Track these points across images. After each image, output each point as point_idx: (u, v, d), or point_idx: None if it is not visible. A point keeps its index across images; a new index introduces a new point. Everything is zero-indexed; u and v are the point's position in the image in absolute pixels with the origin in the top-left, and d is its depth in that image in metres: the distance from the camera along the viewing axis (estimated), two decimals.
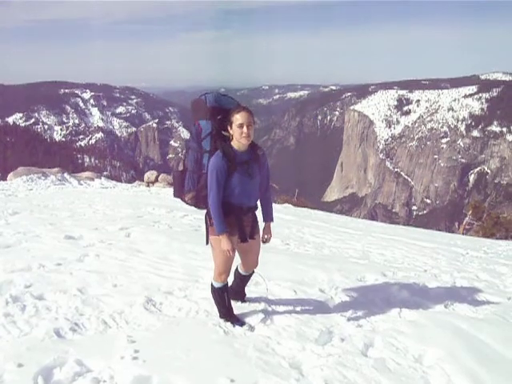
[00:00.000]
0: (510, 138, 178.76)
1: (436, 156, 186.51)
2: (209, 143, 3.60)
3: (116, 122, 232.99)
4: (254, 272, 4.21)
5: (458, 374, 3.44)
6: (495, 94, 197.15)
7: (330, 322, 4.18)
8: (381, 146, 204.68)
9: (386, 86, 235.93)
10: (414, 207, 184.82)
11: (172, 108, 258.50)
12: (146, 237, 7.11)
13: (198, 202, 3.73)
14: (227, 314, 3.97)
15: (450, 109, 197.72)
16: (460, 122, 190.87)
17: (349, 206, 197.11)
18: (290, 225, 10.14)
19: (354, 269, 6.06)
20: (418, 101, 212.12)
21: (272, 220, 4.03)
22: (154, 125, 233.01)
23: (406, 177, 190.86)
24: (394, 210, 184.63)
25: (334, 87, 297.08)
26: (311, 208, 19.49)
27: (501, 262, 8.51)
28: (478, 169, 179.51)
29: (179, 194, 3.81)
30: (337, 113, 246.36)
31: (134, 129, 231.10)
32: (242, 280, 4.24)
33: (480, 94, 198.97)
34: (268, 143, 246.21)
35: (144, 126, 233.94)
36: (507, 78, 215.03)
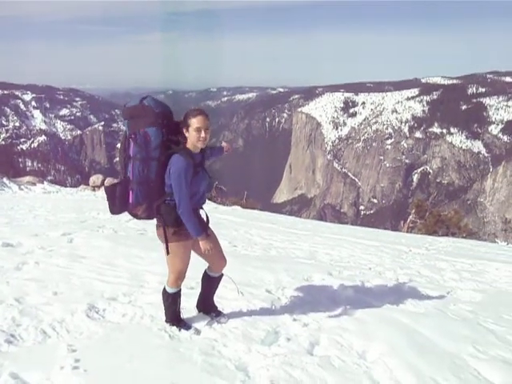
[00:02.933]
0: (449, 139, 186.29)
1: (381, 157, 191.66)
2: (158, 151, 3.48)
3: (60, 124, 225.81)
4: (222, 275, 4.13)
5: (400, 368, 3.53)
6: (435, 96, 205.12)
7: (276, 322, 4.19)
8: (328, 148, 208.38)
9: (333, 88, 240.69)
10: (362, 207, 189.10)
11: (118, 110, 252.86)
12: (89, 242, 6.91)
13: (151, 213, 3.58)
14: (175, 319, 3.91)
15: (394, 111, 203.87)
16: (403, 124, 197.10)
17: (298, 206, 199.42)
18: (237, 227, 10.14)
19: (300, 269, 6.13)
20: (364, 103, 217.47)
21: None
22: (100, 127, 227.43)
23: (353, 177, 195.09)
24: (342, 210, 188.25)
25: (281, 89, 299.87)
26: (260, 210, 19.61)
27: (441, 257, 8.84)
28: (421, 169, 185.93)
29: (121, 208, 3.58)
30: (285, 115, 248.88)
31: (79, 132, 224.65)
32: (211, 284, 4.11)
33: (421, 97, 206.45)
34: (217, 145, 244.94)
35: (89, 128, 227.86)
36: (446, 81, 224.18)
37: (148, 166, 3.46)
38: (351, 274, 6.28)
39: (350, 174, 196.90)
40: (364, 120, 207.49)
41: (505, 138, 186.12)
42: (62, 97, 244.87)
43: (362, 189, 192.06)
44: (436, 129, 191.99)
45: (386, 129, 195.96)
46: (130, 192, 3.50)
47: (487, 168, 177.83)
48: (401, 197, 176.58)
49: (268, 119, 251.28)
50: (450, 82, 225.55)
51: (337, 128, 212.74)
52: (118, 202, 3.53)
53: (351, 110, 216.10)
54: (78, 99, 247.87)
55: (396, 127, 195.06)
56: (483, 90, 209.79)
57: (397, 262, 7.73)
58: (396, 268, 7.11)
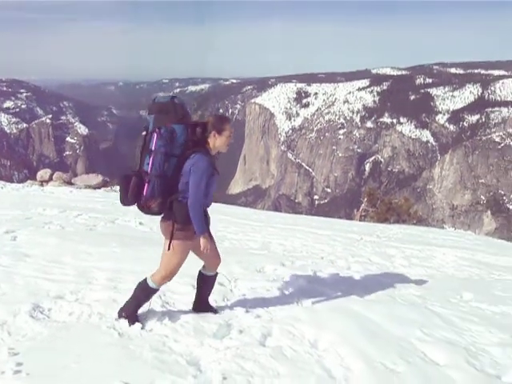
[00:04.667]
0: (399, 128, 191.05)
1: (334, 147, 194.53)
2: (180, 148, 3.59)
3: (4, 117, 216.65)
4: (217, 273, 4.17)
5: (351, 355, 3.59)
6: (385, 87, 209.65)
7: (228, 315, 4.18)
8: (282, 138, 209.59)
9: (285, 79, 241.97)
10: (316, 197, 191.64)
11: (67, 102, 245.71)
12: (34, 239, 6.62)
13: (163, 208, 3.63)
14: (133, 313, 3.84)
15: (346, 101, 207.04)
16: (355, 114, 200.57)
17: (253, 198, 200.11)
18: None
19: (253, 260, 6.12)
20: (316, 94, 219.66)
21: None
22: (48, 120, 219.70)
23: (307, 167, 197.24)
24: (296, 201, 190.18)
25: (234, 80, 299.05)
26: (214, 202, 19.50)
27: (391, 244, 9.05)
28: (373, 158, 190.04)
29: (134, 200, 3.62)
30: (238, 106, 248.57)
31: (25, 125, 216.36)
32: (207, 283, 4.14)
33: (372, 88, 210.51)
34: None
35: (36, 121, 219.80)
36: (395, 72, 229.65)
37: (168, 161, 3.54)
38: (304, 263, 6.33)
39: (303, 164, 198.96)
40: (317, 110, 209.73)
41: (451, 128, 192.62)
42: (5, 88, 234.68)
43: (315, 179, 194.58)
44: (386, 119, 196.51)
45: (339, 119, 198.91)
46: (146, 184, 3.54)
47: (435, 156, 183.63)
48: (354, 186, 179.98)
49: (221, 110, 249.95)
50: (399, 72, 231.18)
51: (290, 119, 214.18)
52: (131, 194, 3.58)
53: (304, 101, 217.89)
54: (22, 91, 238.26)
55: (348, 117, 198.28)
56: (430, 80, 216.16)
57: (348, 250, 7.85)
58: (348, 256, 7.22)
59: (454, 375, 3.41)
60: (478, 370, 3.51)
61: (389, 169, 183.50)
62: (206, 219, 3.85)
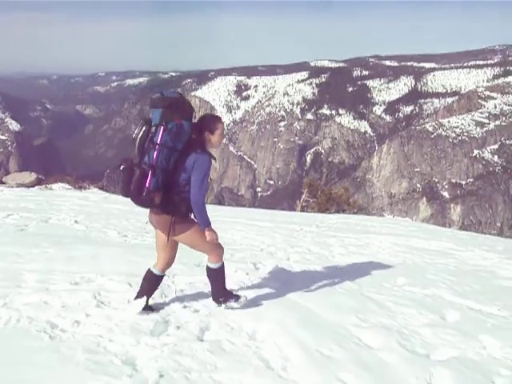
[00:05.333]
0: (338, 119, 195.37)
1: (275, 139, 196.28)
2: (184, 144, 3.68)
3: None
4: (223, 263, 4.23)
5: (289, 344, 3.63)
6: (324, 79, 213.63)
7: (166, 311, 4.11)
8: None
9: (225, 72, 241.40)
10: (259, 189, 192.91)
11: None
12: None
13: (164, 200, 3.71)
14: (225, 292, 4.18)
15: (286, 94, 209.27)
16: (295, 106, 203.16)
17: None
18: (128, 215, 9.82)
19: (192, 255, 6.03)
20: (256, 86, 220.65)
21: None
22: None
23: (249, 160, 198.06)
24: (239, 193, 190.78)
25: (173, 73, 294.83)
26: None
27: (330, 234, 9.23)
28: (314, 149, 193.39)
29: (136, 192, 3.62)
30: None
31: None
32: (216, 275, 4.19)
33: (311, 80, 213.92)
34: (109, 133, 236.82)
35: None
36: (333, 65, 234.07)
37: (173, 155, 3.64)
38: (243, 256, 6.34)
39: (245, 156, 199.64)
40: (257, 103, 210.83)
41: (387, 118, 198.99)
42: None
43: (258, 171, 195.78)
44: (326, 110, 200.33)
45: (279, 111, 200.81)
46: (150, 177, 3.59)
47: (373, 146, 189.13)
48: (296, 177, 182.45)
49: None
50: (337, 65, 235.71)
51: (231, 111, 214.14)
52: (133, 186, 3.61)
53: (244, 94, 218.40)
54: None
55: (288, 109, 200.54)
56: (366, 72, 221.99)
57: (288, 241, 7.94)
58: (287, 247, 7.30)
59: (386, 357, 3.52)
60: (409, 351, 3.64)
61: (329, 159, 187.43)
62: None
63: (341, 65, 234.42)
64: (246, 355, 3.45)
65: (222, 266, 4.12)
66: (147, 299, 4.04)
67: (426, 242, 9.93)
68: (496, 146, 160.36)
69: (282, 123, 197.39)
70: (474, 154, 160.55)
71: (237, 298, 4.19)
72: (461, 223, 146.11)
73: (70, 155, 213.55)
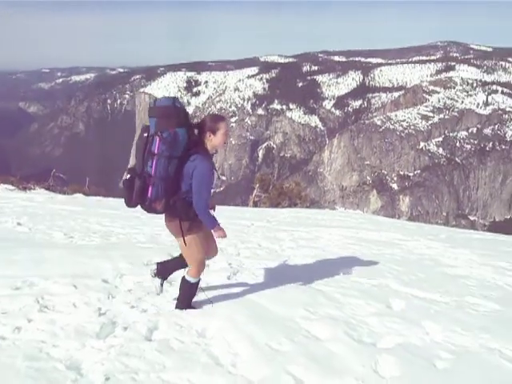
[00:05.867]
0: (289, 114, 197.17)
1: None
2: (182, 150, 3.69)
3: None
4: (200, 280, 4.20)
5: (238, 340, 3.63)
6: (274, 75, 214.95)
7: (112, 312, 4.03)
8: None
9: (175, 68, 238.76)
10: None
11: None
12: None
13: (167, 207, 3.76)
14: (189, 305, 4.17)
15: (236, 89, 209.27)
16: (246, 102, 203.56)
17: None
18: (76, 216, 9.56)
19: (140, 254, 5.98)
20: (207, 82, 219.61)
21: None
22: None
23: None
24: None
25: (121, 70, 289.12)
26: (105, 196, 18.79)
27: (281, 228, 9.31)
28: (265, 144, 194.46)
29: (138, 202, 3.72)
30: (127, 96, 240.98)
31: None
32: (190, 289, 4.17)
33: (261, 75, 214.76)
34: (55, 131, 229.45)
35: None
36: (282, 60, 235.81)
37: (171, 163, 3.66)
38: None
39: None
40: (208, 99, 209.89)
41: (337, 112, 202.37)
42: None
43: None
44: (276, 105, 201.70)
45: (230, 107, 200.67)
46: (151, 187, 3.65)
47: (324, 140, 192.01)
48: (248, 172, 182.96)
49: (109, 101, 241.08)
50: (287, 60, 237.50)
51: None
52: (135, 196, 3.67)
53: (194, 89, 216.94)
54: None
55: (239, 105, 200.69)
56: (316, 68, 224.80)
57: (239, 236, 7.94)
58: (238, 243, 7.30)
59: (334, 348, 3.58)
60: (356, 341, 3.72)
61: (281, 154, 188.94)
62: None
63: (290, 60, 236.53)
64: (195, 353, 3.42)
65: (197, 283, 4.12)
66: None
67: (375, 233, 10.18)
68: (440, 139, 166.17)
69: (234, 119, 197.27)
70: (420, 147, 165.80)
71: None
72: (409, 214, 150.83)
73: (14, 154, 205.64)
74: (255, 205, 21.58)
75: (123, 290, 4.60)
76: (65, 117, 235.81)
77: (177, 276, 5.12)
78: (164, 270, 4.35)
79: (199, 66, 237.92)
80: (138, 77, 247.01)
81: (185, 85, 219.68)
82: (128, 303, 4.22)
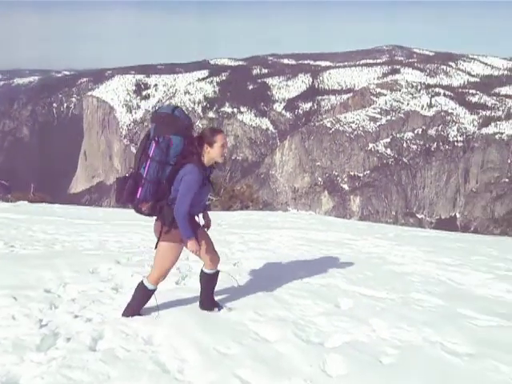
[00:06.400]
0: (240, 117, 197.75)
1: None
2: (176, 158, 3.79)
3: None
4: (218, 271, 4.35)
5: (186, 346, 3.58)
6: (224, 77, 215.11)
7: (55, 323, 3.88)
8: (124, 132, 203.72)
9: (123, 70, 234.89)
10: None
11: None
12: None
13: (154, 211, 3.87)
14: (136, 313, 4.08)
15: (187, 92, 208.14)
16: (197, 105, 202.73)
17: (98, 195, 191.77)
18: (18, 224, 9.20)
19: (86, 261, 5.80)
20: (156, 85, 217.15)
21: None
22: None
23: None
24: None
25: (67, 72, 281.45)
26: (50, 203, 18.21)
27: (232, 231, 9.29)
28: None
29: (127, 200, 3.82)
30: (74, 99, 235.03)
31: None
32: (208, 280, 4.30)
33: (211, 78, 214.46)
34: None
35: None
36: (232, 63, 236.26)
37: (163, 169, 3.77)
38: (141, 259, 6.17)
39: None
40: (158, 102, 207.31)
41: (288, 115, 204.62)
42: None
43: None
44: (227, 108, 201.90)
45: None
46: (140, 188, 3.76)
47: (275, 143, 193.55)
48: None
49: (55, 105, 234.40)
50: (237, 63, 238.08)
51: (131, 111, 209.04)
52: (125, 194, 3.78)
53: (144, 93, 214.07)
54: None
55: (190, 108, 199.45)
56: (266, 71, 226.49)
57: None
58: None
59: (282, 349, 3.59)
60: (304, 341, 3.74)
61: (233, 157, 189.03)
62: (194, 225, 4.03)
63: (240, 63, 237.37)
64: (141, 361, 3.34)
65: (153, 291, 4.10)
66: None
67: (325, 233, 10.32)
68: (388, 140, 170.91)
69: None
70: (369, 148, 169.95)
71: (219, 307, 4.36)
72: (360, 213, 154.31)
73: None
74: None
75: (66, 300, 4.44)
76: (7, 121, 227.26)
77: (124, 283, 5.03)
78: (207, 304, 4.35)
79: (148, 69, 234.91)
80: (84, 80, 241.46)
81: (134, 88, 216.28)
82: (71, 313, 4.08)
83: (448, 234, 13.11)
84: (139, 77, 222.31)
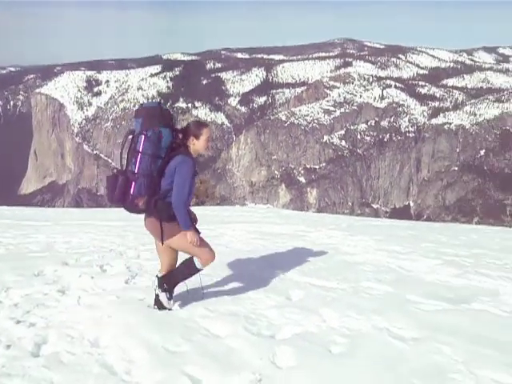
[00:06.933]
0: (195, 112, 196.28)
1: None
2: (165, 150, 3.83)
3: None
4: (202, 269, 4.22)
5: (134, 346, 3.50)
6: (178, 72, 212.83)
7: None
8: (75, 130, 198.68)
9: (73, 66, 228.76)
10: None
11: None
12: None
13: (149, 205, 3.84)
14: (172, 287, 4.18)
15: (140, 88, 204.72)
16: (150, 101, 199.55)
17: (50, 195, 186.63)
18: None
19: (31, 264, 5.59)
20: (108, 81, 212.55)
21: None
22: None
23: (106, 158, 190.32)
24: (99, 193, 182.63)
25: (13, 69, 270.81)
26: None
27: None
28: None
29: (120, 198, 3.80)
30: (21, 97, 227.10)
31: None
32: (188, 267, 4.15)
33: (165, 73, 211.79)
34: None
35: None
36: (186, 57, 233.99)
37: (155, 162, 3.78)
38: (90, 259, 6.01)
39: (102, 155, 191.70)
40: (110, 99, 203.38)
41: (242, 109, 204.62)
42: None
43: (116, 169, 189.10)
44: (182, 103, 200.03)
45: (134, 106, 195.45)
46: (134, 183, 3.76)
47: (231, 137, 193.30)
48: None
49: (1, 102, 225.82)
50: (190, 58, 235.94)
51: (82, 108, 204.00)
52: (117, 193, 3.77)
53: (95, 89, 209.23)
54: None
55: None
56: (219, 65, 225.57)
57: (139, 239, 7.71)
58: (138, 245, 7.09)
59: (233, 344, 3.56)
60: (255, 334, 3.73)
61: None
62: (191, 215, 4.05)
63: (193, 58, 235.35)
64: (87, 364, 3.24)
65: (200, 270, 4.15)
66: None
67: (279, 226, 10.37)
68: (343, 132, 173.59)
69: None
70: (324, 140, 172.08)
71: (170, 299, 4.19)
72: (317, 205, 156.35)
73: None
74: None
75: (8, 305, 4.25)
76: None
77: (72, 285, 4.87)
78: (168, 283, 4.19)
79: (99, 65, 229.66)
80: (32, 76, 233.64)
81: (85, 84, 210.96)
82: (13, 319, 3.91)
83: (399, 222, 13.44)
84: (90, 73, 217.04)
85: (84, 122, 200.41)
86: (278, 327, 3.91)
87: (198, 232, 4.03)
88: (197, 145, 4.00)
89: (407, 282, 5.47)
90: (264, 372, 3.18)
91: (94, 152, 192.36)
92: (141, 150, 3.76)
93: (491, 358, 3.35)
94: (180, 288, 4.38)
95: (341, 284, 5.22)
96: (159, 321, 3.94)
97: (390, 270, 6.12)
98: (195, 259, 4.09)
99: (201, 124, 4.09)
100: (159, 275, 4.19)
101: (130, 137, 3.87)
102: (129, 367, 3.23)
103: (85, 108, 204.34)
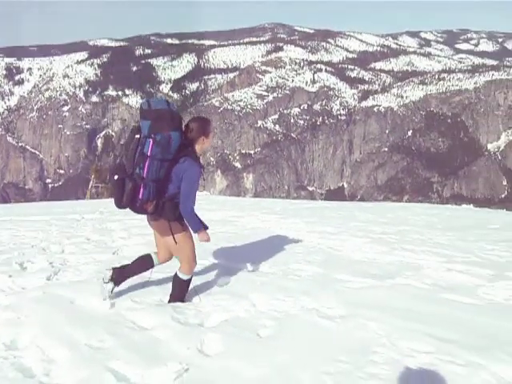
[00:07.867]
0: (126, 100, 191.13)
1: (60, 125, 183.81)
2: (173, 153, 3.70)
3: None
4: (191, 278, 4.21)
5: (54, 346, 3.34)
6: (105, 59, 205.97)
7: None
8: None
9: None
10: (49, 180, 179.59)
11: None
12: None
13: (157, 209, 3.79)
14: (182, 299, 4.16)
15: (66, 76, 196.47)
16: (78, 89, 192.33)
17: None
18: None
19: None
20: (30, 69, 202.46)
21: None
22: None
23: (32, 150, 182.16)
24: (27, 187, 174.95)
25: None
26: None
27: (114, 218, 8.94)
28: (104, 133, 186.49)
29: (128, 203, 3.69)
30: None
31: None
32: (180, 285, 4.15)
33: (92, 60, 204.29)
34: None
35: None
36: (113, 44, 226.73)
37: (163, 166, 3.69)
38: (9, 256, 5.70)
39: (28, 147, 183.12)
40: (34, 87, 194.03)
41: (175, 96, 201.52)
42: None
43: (45, 161, 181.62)
44: (111, 91, 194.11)
45: (61, 95, 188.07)
46: (142, 189, 3.65)
47: None
48: (88, 163, 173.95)
49: None
50: (118, 44, 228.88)
51: (3, 98, 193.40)
52: (126, 197, 3.65)
53: (17, 78, 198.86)
54: None
55: (71, 93, 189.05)
56: (149, 51, 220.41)
57: (65, 232, 7.43)
58: (63, 239, 6.81)
59: (160, 335, 3.48)
60: (183, 324, 3.66)
61: (121, 142, 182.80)
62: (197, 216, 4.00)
63: (122, 44, 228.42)
64: (2, 369, 3.05)
65: (190, 280, 4.15)
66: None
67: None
68: (276, 116, 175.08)
69: (66, 108, 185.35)
70: (258, 125, 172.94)
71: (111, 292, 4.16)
72: (254, 190, 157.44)
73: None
74: (93, 197, 20.55)
75: None
76: None
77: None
78: (120, 276, 4.13)
79: (19, 52, 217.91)
80: None
81: (4, 72, 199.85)
82: None
83: (330, 203, 13.73)
84: (9, 60, 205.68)
85: (6, 112, 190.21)
86: (207, 315, 3.86)
87: (206, 227, 3.99)
88: (206, 143, 3.93)
89: (336, 262, 5.59)
90: (191, 361, 3.12)
91: (20, 144, 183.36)
92: (149, 154, 3.63)
93: (412, 330, 3.48)
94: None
95: (271, 268, 5.24)
96: (82, 317, 3.79)
97: (319, 250, 6.23)
98: (179, 273, 4.08)
99: (208, 121, 4.00)
100: (177, 271, 4.12)
101: (137, 136, 3.68)
102: (48, 368, 3.08)
103: (6, 98, 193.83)
